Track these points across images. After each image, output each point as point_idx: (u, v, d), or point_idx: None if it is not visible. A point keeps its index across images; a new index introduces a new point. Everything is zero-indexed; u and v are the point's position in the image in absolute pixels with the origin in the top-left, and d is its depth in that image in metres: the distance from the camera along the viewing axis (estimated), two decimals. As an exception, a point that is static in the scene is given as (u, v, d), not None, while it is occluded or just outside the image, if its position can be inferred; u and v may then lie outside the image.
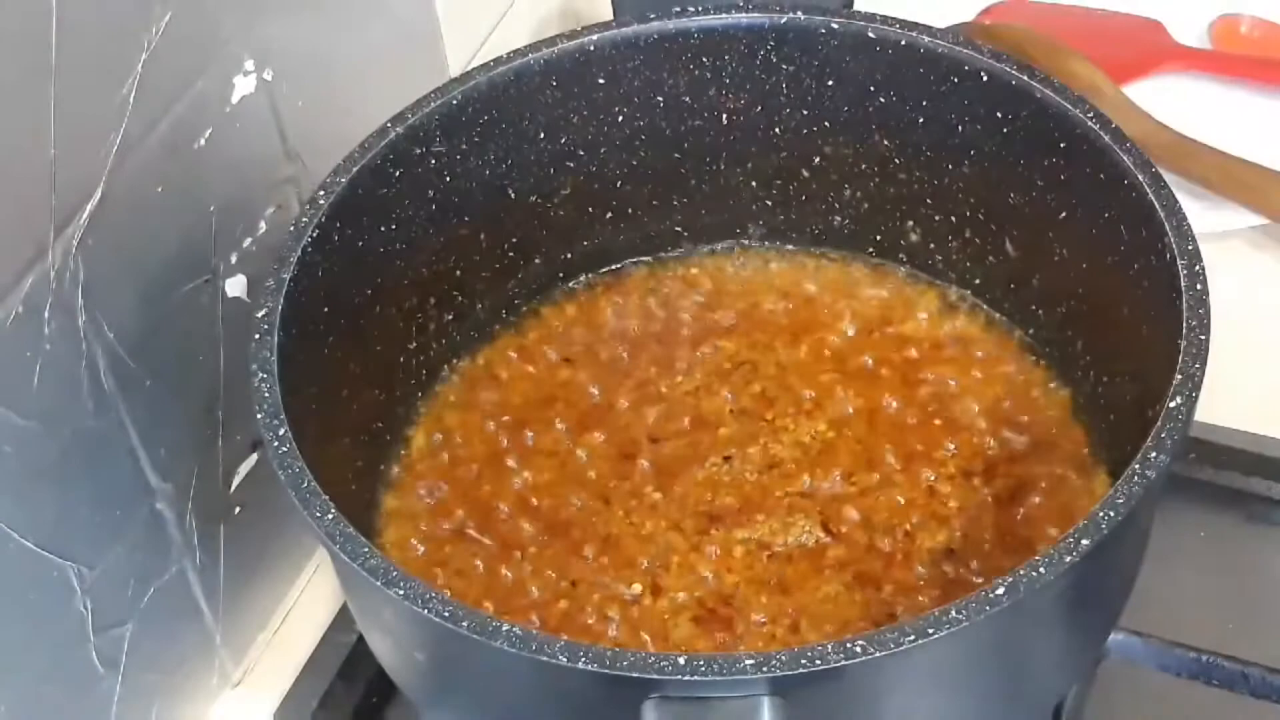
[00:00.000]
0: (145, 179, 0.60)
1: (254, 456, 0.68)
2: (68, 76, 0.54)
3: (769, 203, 0.73)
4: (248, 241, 0.66)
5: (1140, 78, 0.89)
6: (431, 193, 0.67)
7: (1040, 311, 0.68)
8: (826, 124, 0.70)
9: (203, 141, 0.62)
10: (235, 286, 0.65)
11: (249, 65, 0.64)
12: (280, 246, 0.60)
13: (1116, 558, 0.56)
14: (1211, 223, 0.80)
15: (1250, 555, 0.71)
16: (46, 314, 0.55)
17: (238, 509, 0.68)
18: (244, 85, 0.64)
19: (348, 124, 0.66)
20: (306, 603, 0.74)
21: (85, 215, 0.56)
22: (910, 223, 0.71)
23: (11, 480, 0.55)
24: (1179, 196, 0.59)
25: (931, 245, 0.71)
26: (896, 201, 0.71)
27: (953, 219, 0.70)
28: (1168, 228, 0.57)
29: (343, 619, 0.70)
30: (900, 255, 0.72)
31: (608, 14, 0.69)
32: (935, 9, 0.85)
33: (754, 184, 0.73)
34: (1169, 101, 0.87)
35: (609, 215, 0.73)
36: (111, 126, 0.57)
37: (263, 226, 0.67)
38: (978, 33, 0.89)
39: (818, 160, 0.71)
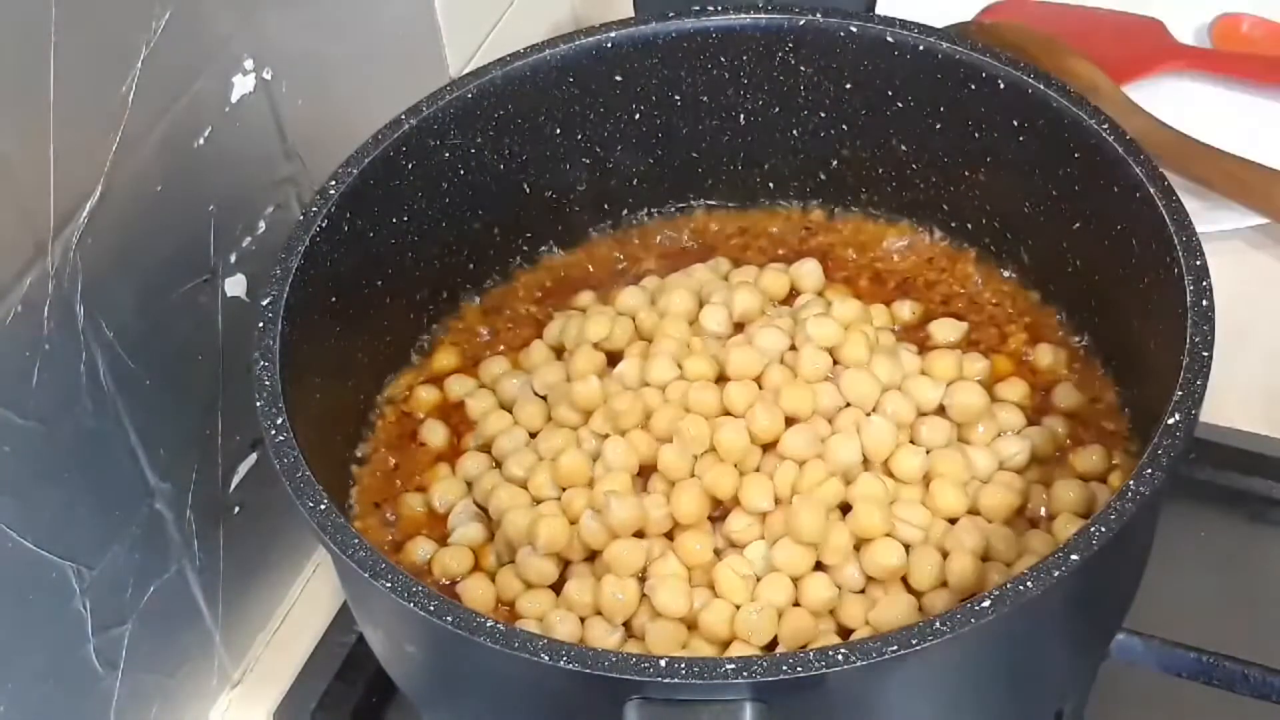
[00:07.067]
0: (144, 178, 0.60)
1: (254, 456, 0.68)
2: (67, 76, 0.54)
3: (785, 205, 0.73)
4: (247, 241, 0.66)
5: (1140, 78, 0.89)
6: (445, 185, 0.67)
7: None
8: (844, 127, 0.70)
9: (202, 141, 0.62)
10: (235, 286, 0.65)
11: (248, 64, 0.64)
12: (288, 237, 0.61)
13: (1111, 571, 0.56)
14: (1211, 223, 0.80)
15: (1251, 555, 0.71)
16: (46, 313, 0.55)
17: (237, 509, 0.68)
18: (243, 84, 0.64)
19: (348, 123, 0.66)
20: (306, 603, 0.74)
21: (85, 215, 0.56)
22: (927, 228, 0.71)
23: (11, 480, 0.55)
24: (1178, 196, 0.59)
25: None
26: (912, 207, 0.71)
27: (969, 226, 0.70)
28: (1176, 242, 0.57)
29: (342, 619, 0.70)
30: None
31: (611, 16, 0.69)
32: (936, 7, 0.85)
33: (771, 185, 0.73)
34: (1169, 101, 0.87)
35: (624, 213, 0.73)
36: (111, 126, 0.57)
37: (262, 226, 0.67)
38: (978, 32, 0.89)
39: (835, 163, 0.71)
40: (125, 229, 0.59)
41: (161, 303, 0.62)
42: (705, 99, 0.70)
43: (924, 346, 0.67)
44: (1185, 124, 0.84)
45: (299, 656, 0.70)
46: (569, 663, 0.48)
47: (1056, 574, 0.49)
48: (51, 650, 0.59)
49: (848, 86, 0.68)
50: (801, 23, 0.67)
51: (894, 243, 0.72)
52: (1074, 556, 0.49)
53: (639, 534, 0.59)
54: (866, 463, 0.61)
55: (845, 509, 0.60)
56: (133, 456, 0.61)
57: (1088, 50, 0.87)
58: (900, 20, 0.66)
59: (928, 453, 0.61)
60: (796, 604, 0.58)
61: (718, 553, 0.60)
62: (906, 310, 0.69)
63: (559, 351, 0.68)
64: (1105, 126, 0.61)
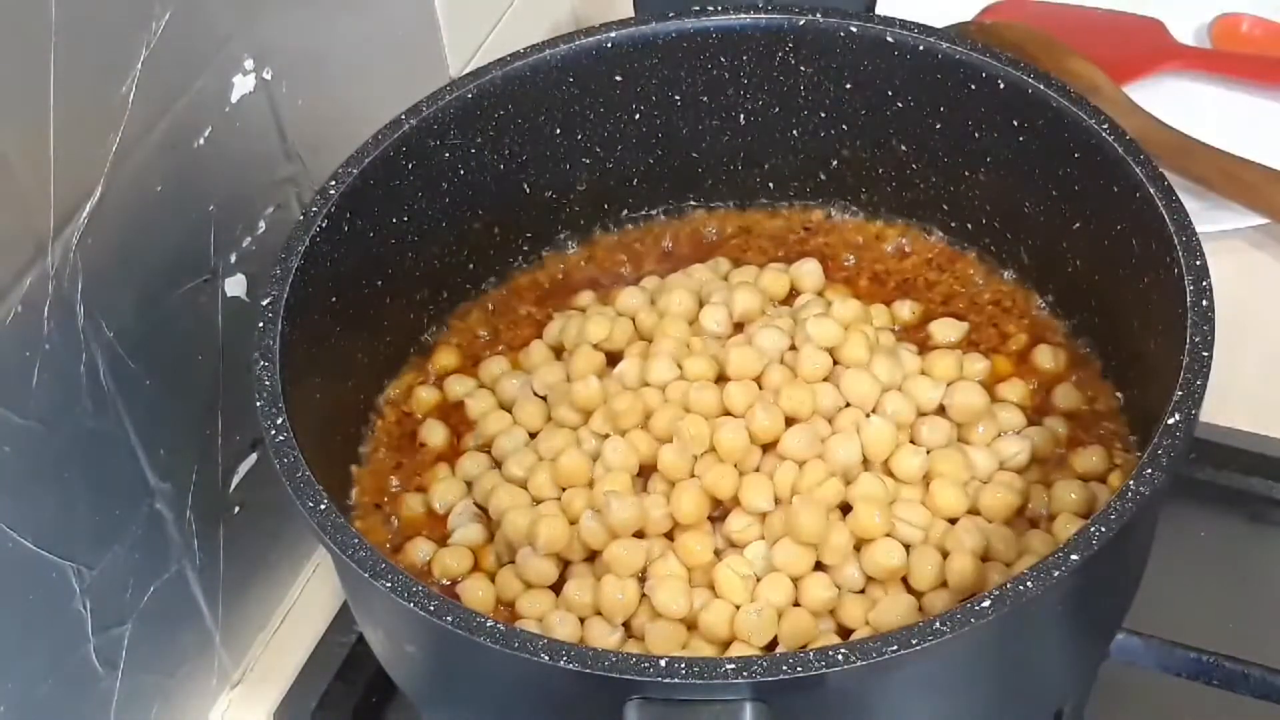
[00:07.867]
0: (144, 178, 0.60)
1: (254, 456, 0.68)
2: (67, 76, 0.54)
3: (786, 206, 0.73)
4: (247, 241, 0.66)
5: (1140, 77, 0.89)
6: (445, 185, 0.67)
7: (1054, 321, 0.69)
8: (844, 127, 0.70)
9: (202, 141, 0.62)
10: (235, 286, 0.65)
11: (248, 64, 0.64)
12: (288, 237, 0.61)
13: (1111, 571, 0.56)
14: (1211, 223, 0.80)
15: (1251, 555, 0.71)
16: (46, 313, 0.55)
17: (237, 509, 0.68)
18: (243, 84, 0.64)
19: (348, 123, 0.66)
20: (306, 603, 0.74)
21: (85, 215, 0.56)
22: (927, 228, 0.71)
23: (11, 480, 0.55)
24: (1178, 196, 0.59)
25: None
26: (913, 207, 0.71)
27: (969, 226, 0.70)
28: (1176, 242, 0.57)
29: (342, 619, 0.70)
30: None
31: (611, 16, 0.69)
32: (936, 7, 0.85)
33: (770, 185, 0.73)
34: (1169, 101, 0.87)
35: (624, 213, 0.73)
36: (111, 126, 0.57)
37: (262, 226, 0.67)
38: (978, 32, 0.89)
39: (835, 163, 0.71)
40: (125, 229, 0.59)
41: (161, 303, 0.62)
42: (705, 99, 0.70)
43: (924, 346, 0.67)
44: (1185, 124, 0.84)
45: (299, 656, 0.70)
46: (569, 663, 0.48)
47: (1056, 574, 0.49)
48: (51, 650, 0.59)
49: (848, 86, 0.69)
50: (801, 23, 0.67)
51: (894, 243, 0.72)
52: (1074, 556, 0.49)
53: (639, 534, 0.60)
54: (866, 463, 0.61)
55: (845, 509, 0.60)
56: (133, 456, 0.61)
57: (1087, 50, 0.87)
58: (900, 20, 0.66)
59: (928, 453, 0.61)
60: (796, 604, 0.58)
61: (718, 553, 0.60)
62: (906, 310, 0.69)
63: (559, 351, 0.68)
64: (1105, 126, 0.61)
